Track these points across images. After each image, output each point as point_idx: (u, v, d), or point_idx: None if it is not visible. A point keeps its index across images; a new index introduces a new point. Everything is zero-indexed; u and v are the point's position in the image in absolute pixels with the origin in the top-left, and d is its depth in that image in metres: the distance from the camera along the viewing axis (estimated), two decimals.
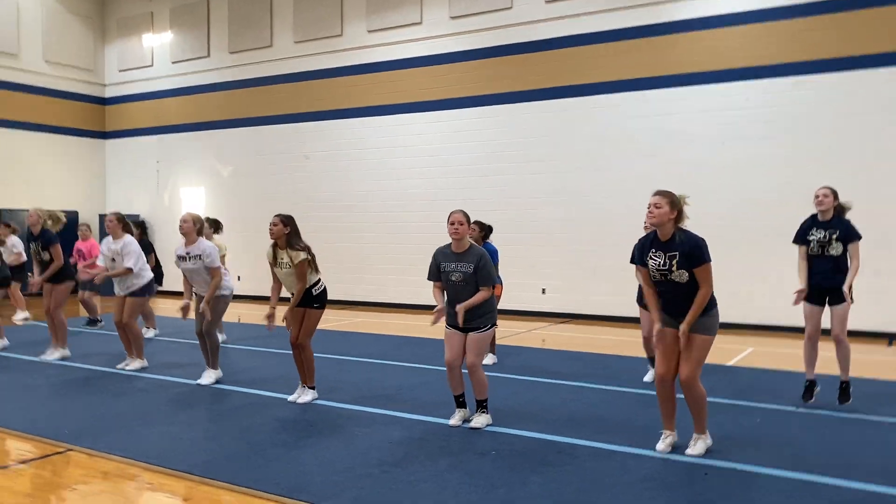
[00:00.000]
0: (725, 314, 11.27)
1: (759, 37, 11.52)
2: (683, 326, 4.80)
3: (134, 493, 4.40)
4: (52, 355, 8.53)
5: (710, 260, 4.76)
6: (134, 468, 4.77)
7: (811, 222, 6.25)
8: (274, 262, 6.41)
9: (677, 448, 5.01)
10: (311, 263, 6.37)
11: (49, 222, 8.79)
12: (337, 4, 15.37)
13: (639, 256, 5.06)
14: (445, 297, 5.63)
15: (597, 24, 12.71)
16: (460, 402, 5.76)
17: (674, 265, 4.78)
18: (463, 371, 5.68)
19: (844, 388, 6.23)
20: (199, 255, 7.03)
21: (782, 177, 11.21)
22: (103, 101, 19.09)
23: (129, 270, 7.75)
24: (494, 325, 5.68)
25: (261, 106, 16.48)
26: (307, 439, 5.32)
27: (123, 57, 18.73)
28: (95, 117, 18.94)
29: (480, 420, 5.63)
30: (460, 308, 5.42)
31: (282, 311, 6.40)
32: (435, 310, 5.64)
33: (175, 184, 18.04)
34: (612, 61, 12.61)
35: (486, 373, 7.55)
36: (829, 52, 11.05)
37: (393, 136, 14.79)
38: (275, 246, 6.39)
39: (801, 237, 6.28)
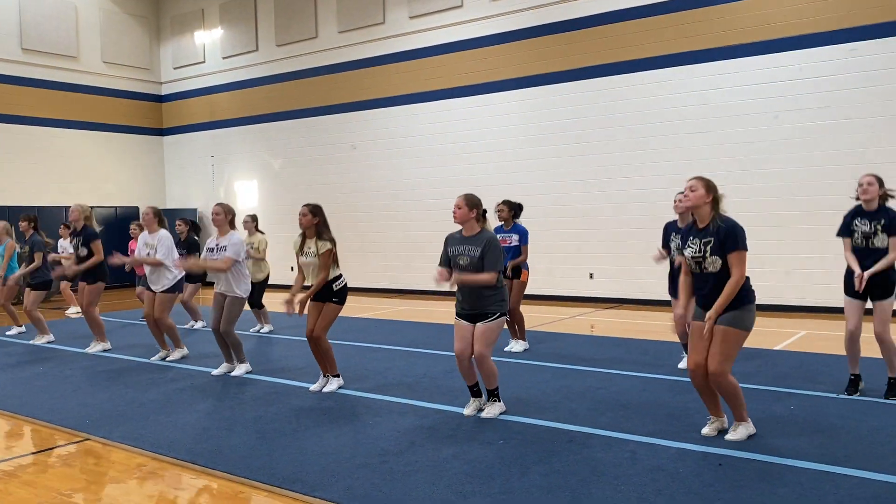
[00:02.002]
0: (779, 296, 10.99)
1: (810, 2, 10.90)
2: (710, 313, 4.56)
3: (134, 482, 4.43)
4: (94, 349, 8.77)
5: (745, 248, 4.53)
6: (142, 457, 4.82)
7: (855, 212, 5.79)
8: (300, 251, 6.39)
9: (720, 433, 4.86)
10: (335, 256, 6.34)
11: (90, 217, 8.98)
12: None
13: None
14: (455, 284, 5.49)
15: None
16: (475, 392, 5.61)
17: (707, 251, 4.59)
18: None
19: (893, 384, 5.78)
20: (226, 247, 7.07)
21: (840, 149, 10.61)
22: (160, 99, 19.60)
23: (160, 263, 7.86)
24: (504, 314, 5.45)
25: (308, 97, 16.60)
26: (316, 428, 5.28)
27: (177, 54, 19.17)
28: (153, 114, 19.47)
29: (492, 410, 5.48)
30: (455, 278, 5.24)
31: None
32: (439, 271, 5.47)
33: (230, 178, 18.39)
34: (656, 35, 12.16)
35: (517, 360, 7.48)
36: (889, 16, 10.37)
37: (437, 122, 14.67)
38: (303, 235, 6.39)
39: (845, 229, 5.82)
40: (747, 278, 4.62)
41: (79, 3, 17.82)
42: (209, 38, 18.47)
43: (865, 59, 10.54)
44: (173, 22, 19.21)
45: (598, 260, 13.00)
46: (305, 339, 9.15)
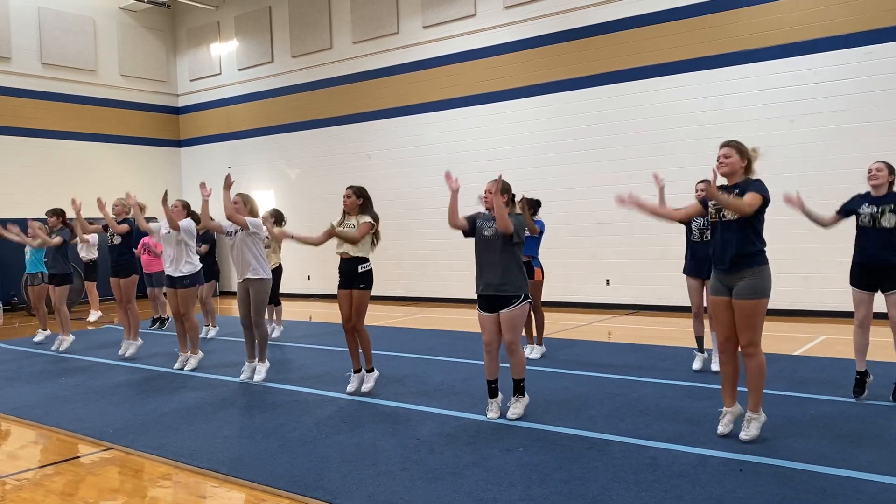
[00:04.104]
0: (797, 301, 10.92)
1: (828, 4, 10.87)
2: (714, 190, 4.66)
3: (157, 491, 4.48)
4: (129, 350, 8.90)
5: (763, 194, 4.67)
6: (165, 466, 4.88)
7: (864, 198, 5.82)
8: (339, 225, 6.46)
9: (733, 435, 4.89)
10: (374, 233, 6.44)
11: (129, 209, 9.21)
12: (392, 2, 15.41)
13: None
14: (475, 263, 5.60)
15: (653, 3, 12.30)
16: (493, 391, 5.66)
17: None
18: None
19: None
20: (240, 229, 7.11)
21: (858, 152, 10.55)
22: (177, 111, 19.80)
23: (177, 227, 7.86)
24: (527, 298, 5.53)
25: (323, 108, 16.72)
26: (337, 436, 5.31)
27: (194, 66, 19.36)
28: (170, 126, 19.67)
29: (518, 407, 5.57)
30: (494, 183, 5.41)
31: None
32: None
33: (246, 188, 18.46)
34: (671, 41, 12.16)
35: (535, 367, 7.49)
36: None
37: (451, 131, 14.73)
38: (344, 214, 6.47)
39: (845, 210, 5.90)
40: (763, 242, 4.75)
41: (97, 18, 18.07)
42: (225, 50, 18.65)
43: (882, 62, 10.48)
44: (189, 35, 19.41)
45: (614, 266, 12.98)
46: (320, 347, 9.27)
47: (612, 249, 12.96)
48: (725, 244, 4.75)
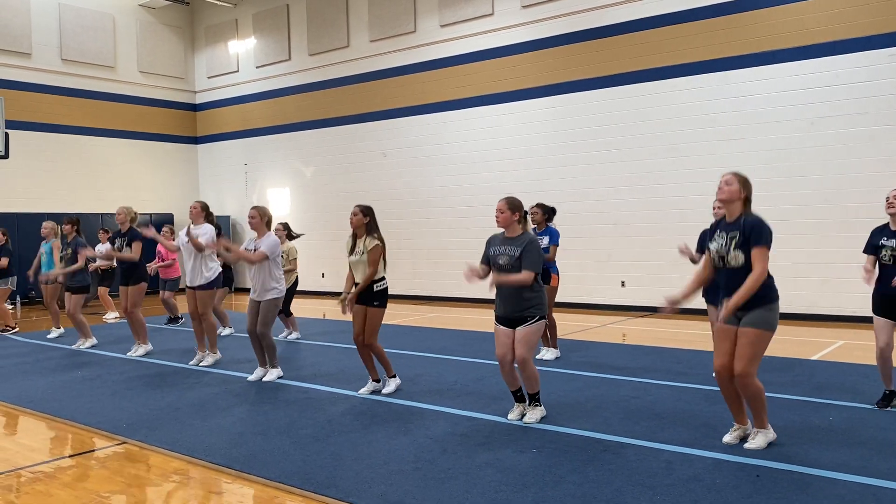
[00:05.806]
0: (815, 305, 10.81)
1: (850, 5, 10.74)
2: (730, 303, 4.54)
3: (171, 486, 4.49)
4: (137, 352, 8.93)
5: (768, 244, 4.51)
6: (179, 461, 4.88)
7: (882, 230, 5.69)
8: (351, 251, 6.47)
9: (741, 441, 4.83)
10: (383, 255, 6.40)
11: (135, 219, 9.20)
12: (410, 1, 15.41)
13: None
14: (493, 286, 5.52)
15: (672, 3, 12.21)
16: (518, 397, 5.65)
17: (731, 245, 4.58)
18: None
19: None
20: (261, 246, 7.12)
21: (878, 156, 10.43)
22: (194, 108, 19.90)
23: (202, 247, 7.88)
24: (543, 317, 5.49)
25: (339, 106, 16.74)
26: (350, 434, 5.30)
27: (211, 64, 19.45)
28: (187, 123, 19.77)
29: (533, 415, 5.53)
30: (493, 279, 5.35)
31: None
32: (468, 269, 5.51)
33: (262, 185, 18.59)
34: (688, 42, 12.08)
35: (549, 368, 7.45)
36: None
37: (467, 130, 14.71)
38: (354, 236, 6.48)
39: (870, 247, 5.72)
40: (771, 277, 4.60)
41: (116, 15, 18.20)
42: (243, 48, 18.72)
43: None
44: (207, 32, 19.51)
45: (629, 268, 12.91)
46: (334, 345, 9.27)
47: (627, 251, 12.89)
48: (733, 289, 4.59)
